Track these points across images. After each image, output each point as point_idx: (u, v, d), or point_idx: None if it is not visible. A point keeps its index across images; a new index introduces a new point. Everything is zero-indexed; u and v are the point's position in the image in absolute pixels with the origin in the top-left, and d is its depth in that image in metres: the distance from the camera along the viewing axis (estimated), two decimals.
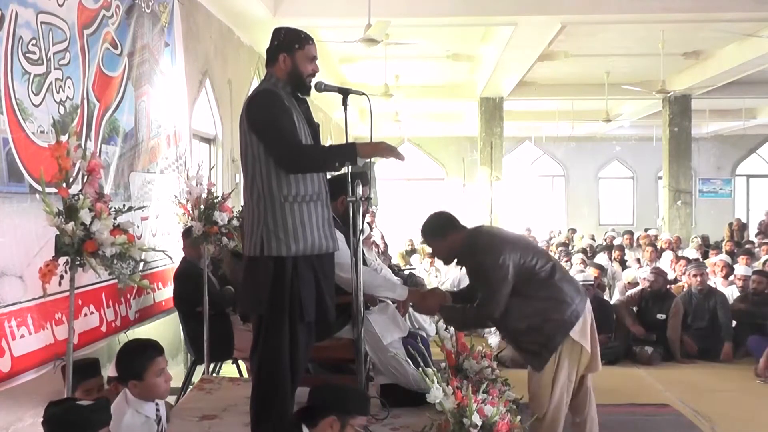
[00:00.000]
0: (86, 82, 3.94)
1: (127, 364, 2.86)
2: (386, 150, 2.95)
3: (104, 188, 3.98)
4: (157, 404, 2.83)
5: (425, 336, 4.51)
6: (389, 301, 4.03)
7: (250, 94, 3.08)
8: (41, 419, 2.43)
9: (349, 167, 3.05)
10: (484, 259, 3.43)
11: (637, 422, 4.73)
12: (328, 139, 13.66)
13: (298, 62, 3.03)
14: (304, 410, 2.82)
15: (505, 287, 3.39)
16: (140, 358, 2.83)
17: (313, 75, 3.09)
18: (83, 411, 2.43)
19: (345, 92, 3.11)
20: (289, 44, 3.03)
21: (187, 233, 4.81)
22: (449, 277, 8.62)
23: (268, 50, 3.09)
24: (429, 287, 6.92)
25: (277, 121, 2.93)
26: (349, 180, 3.07)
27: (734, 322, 6.83)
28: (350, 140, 3.05)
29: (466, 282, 8.67)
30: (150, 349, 2.90)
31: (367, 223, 6.18)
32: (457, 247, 3.57)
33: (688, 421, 4.74)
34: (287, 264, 2.95)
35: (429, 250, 11.54)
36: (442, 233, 3.60)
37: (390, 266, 7.60)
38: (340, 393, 2.82)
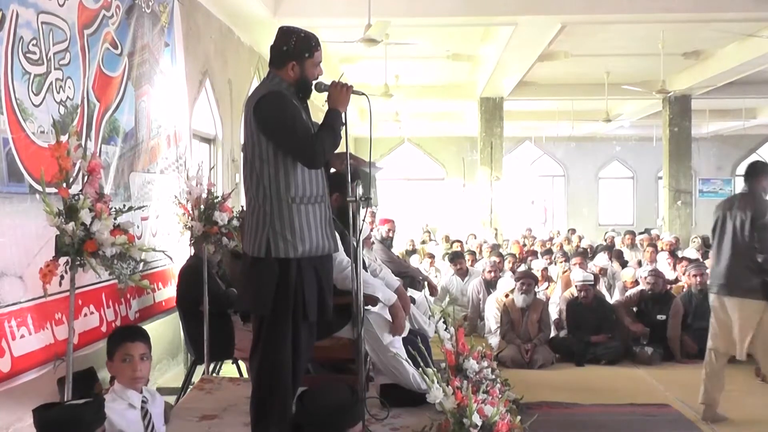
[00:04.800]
0: (86, 82, 3.95)
1: (107, 344, 2.87)
2: (344, 91, 3.05)
3: (104, 188, 3.99)
4: (145, 397, 2.81)
5: (425, 336, 4.50)
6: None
7: (256, 95, 3.04)
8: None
9: (349, 165, 3.08)
10: None
11: (637, 422, 4.73)
12: None
13: (306, 71, 3.04)
14: (297, 427, 2.82)
15: None
16: (112, 340, 2.84)
17: (317, 79, 3.10)
18: (77, 411, 2.42)
19: None
20: (300, 53, 3.02)
21: None
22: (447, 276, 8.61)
23: (273, 50, 3.07)
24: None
25: (291, 121, 2.95)
26: (349, 179, 3.08)
27: None
28: (350, 141, 3.09)
29: (456, 284, 8.70)
30: (124, 333, 2.89)
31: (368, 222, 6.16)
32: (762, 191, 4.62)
33: (688, 421, 4.73)
34: (292, 265, 2.96)
35: (429, 250, 11.56)
36: (756, 175, 4.66)
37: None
38: (329, 412, 2.79)
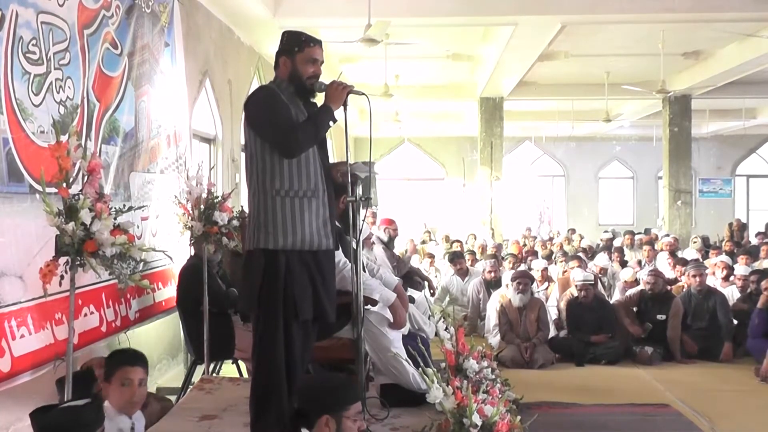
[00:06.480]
0: (86, 82, 3.95)
1: (105, 365, 2.88)
2: (341, 89, 3.07)
3: (104, 188, 3.99)
4: (133, 423, 2.82)
5: (425, 336, 4.50)
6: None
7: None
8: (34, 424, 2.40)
9: (349, 166, 3.07)
10: None
11: (637, 422, 4.73)
12: (328, 139, 13.62)
13: (297, 64, 3.08)
14: (297, 413, 2.80)
15: None
16: (111, 362, 2.86)
17: (315, 77, 3.12)
18: (77, 412, 2.41)
19: None
20: (290, 47, 3.10)
21: None
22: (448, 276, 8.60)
23: (275, 54, 3.16)
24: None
25: (271, 112, 3.00)
26: (349, 179, 3.08)
27: (735, 322, 6.83)
28: (350, 140, 3.12)
29: (456, 284, 8.77)
30: (124, 357, 2.91)
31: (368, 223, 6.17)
32: None
33: (688, 421, 4.74)
34: (279, 259, 2.97)
35: (429, 250, 11.58)
36: None
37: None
38: (325, 391, 2.75)
